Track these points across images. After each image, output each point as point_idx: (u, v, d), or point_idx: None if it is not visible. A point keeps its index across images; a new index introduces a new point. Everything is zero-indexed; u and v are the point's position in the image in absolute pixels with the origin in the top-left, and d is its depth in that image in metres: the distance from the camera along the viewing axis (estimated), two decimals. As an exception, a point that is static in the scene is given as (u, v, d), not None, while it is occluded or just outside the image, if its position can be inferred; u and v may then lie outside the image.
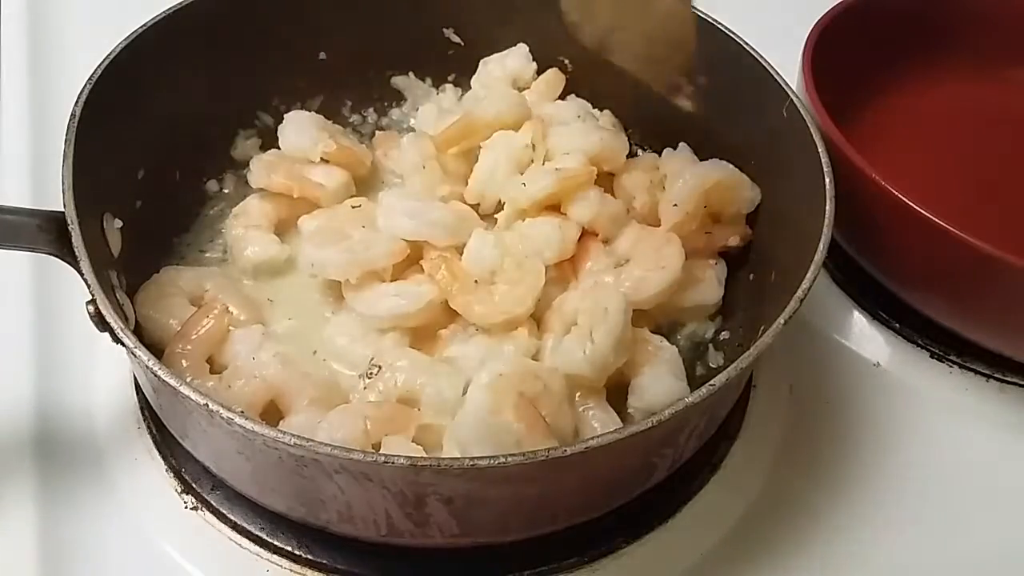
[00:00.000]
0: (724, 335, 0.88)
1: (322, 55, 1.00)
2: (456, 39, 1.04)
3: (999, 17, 1.14)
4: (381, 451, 0.70)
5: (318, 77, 1.00)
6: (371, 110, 1.06)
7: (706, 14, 0.92)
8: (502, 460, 0.58)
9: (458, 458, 0.60)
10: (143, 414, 0.82)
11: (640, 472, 0.72)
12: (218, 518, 0.77)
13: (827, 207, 0.76)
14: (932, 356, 0.94)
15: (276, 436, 0.59)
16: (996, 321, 0.88)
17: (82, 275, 0.68)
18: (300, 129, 0.94)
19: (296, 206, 0.91)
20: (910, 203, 0.82)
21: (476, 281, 0.83)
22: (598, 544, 0.77)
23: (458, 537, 0.69)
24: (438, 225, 0.84)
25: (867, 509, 0.83)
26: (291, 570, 0.75)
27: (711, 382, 0.64)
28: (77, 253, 0.68)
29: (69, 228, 0.69)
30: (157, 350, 0.77)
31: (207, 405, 0.59)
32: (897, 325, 0.95)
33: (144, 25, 0.85)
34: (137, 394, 0.83)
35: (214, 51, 0.92)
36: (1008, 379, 0.92)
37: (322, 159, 0.93)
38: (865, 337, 0.95)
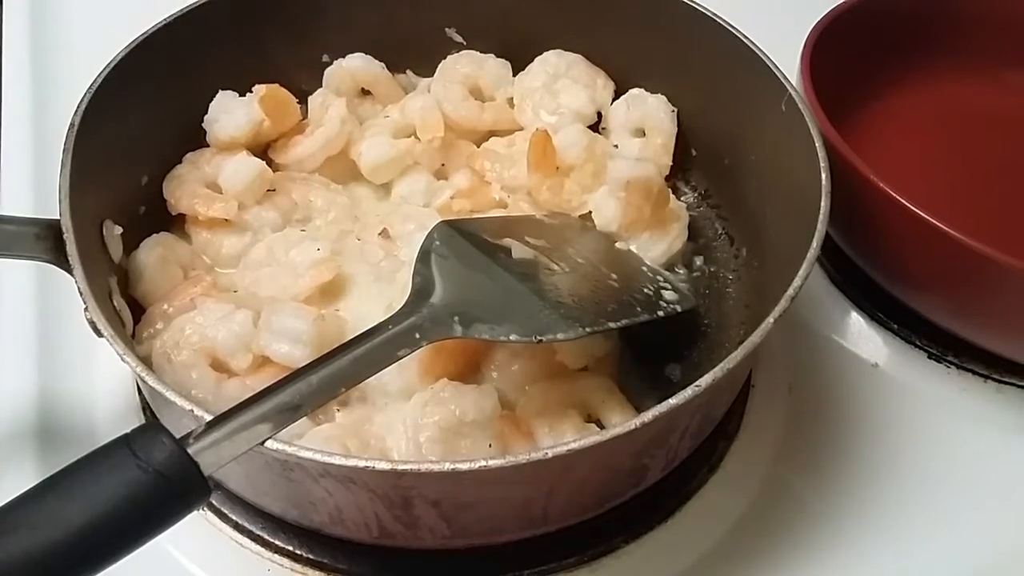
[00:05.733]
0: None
1: (325, 57, 1.00)
2: (458, 38, 1.03)
3: (999, 17, 1.12)
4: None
5: (320, 78, 1.00)
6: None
7: (705, 8, 0.92)
8: (483, 464, 0.59)
9: (438, 462, 0.60)
10: (144, 413, 0.83)
11: (632, 473, 0.72)
12: (220, 518, 0.78)
13: (822, 203, 0.75)
14: (930, 357, 0.93)
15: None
16: (994, 322, 0.87)
17: (76, 283, 0.68)
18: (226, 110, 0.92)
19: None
20: (908, 204, 0.81)
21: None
22: (597, 544, 0.77)
23: (449, 539, 0.69)
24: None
25: (865, 508, 0.82)
26: (292, 570, 0.76)
27: (697, 383, 0.63)
28: (71, 262, 0.69)
29: (64, 237, 0.70)
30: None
31: (192, 411, 0.60)
32: (895, 326, 0.94)
33: (145, 32, 0.86)
34: (138, 394, 0.84)
35: (217, 55, 0.92)
36: (1006, 380, 0.91)
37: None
38: (863, 338, 0.95)
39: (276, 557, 0.77)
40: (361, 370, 0.65)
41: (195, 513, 0.75)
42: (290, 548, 0.77)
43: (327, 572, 0.76)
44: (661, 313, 0.80)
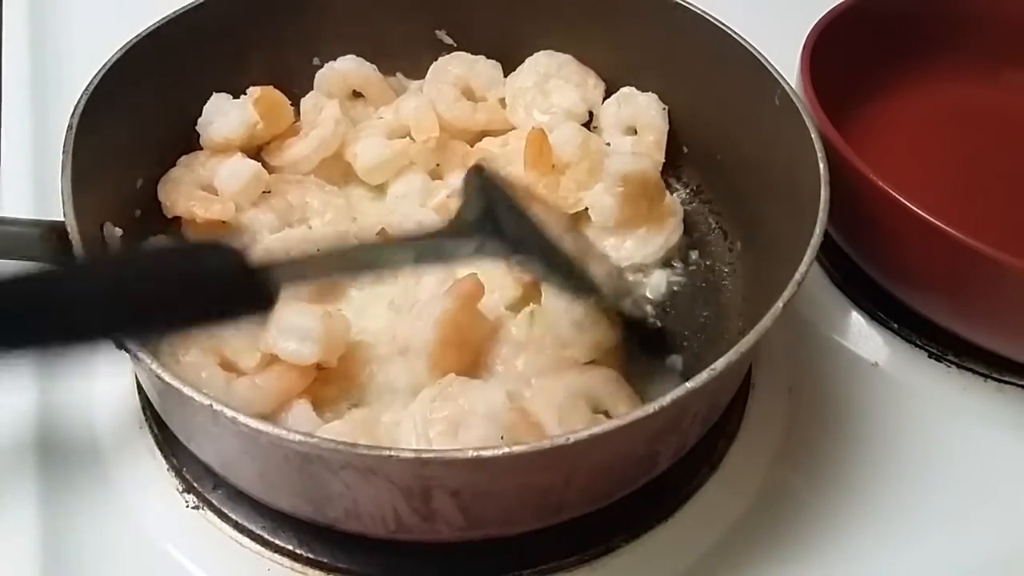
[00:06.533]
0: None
1: (315, 60, 1.01)
2: (448, 40, 1.04)
3: (999, 17, 1.14)
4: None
5: (311, 82, 1.00)
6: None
7: (696, 7, 0.93)
8: (508, 450, 0.59)
9: (462, 449, 0.60)
10: (145, 414, 0.82)
11: (644, 460, 0.72)
12: (220, 517, 0.77)
13: (822, 192, 0.76)
14: (930, 356, 0.93)
15: (280, 434, 0.59)
16: (994, 321, 0.87)
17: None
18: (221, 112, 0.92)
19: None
20: (908, 204, 0.82)
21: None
22: (597, 543, 0.77)
23: (466, 530, 0.69)
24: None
25: (865, 508, 0.82)
26: (292, 568, 0.75)
27: (712, 366, 0.64)
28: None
29: (70, 237, 0.69)
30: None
31: (211, 406, 0.60)
32: (895, 325, 0.95)
33: (139, 35, 0.85)
34: (139, 394, 0.83)
35: (210, 59, 0.92)
36: (1006, 379, 0.91)
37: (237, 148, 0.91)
38: (863, 337, 0.95)
39: (276, 556, 0.76)
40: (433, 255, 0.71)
41: (194, 512, 0.77)
42: (290, 547, 0.76)
43: (327, 571, 0.75)
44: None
